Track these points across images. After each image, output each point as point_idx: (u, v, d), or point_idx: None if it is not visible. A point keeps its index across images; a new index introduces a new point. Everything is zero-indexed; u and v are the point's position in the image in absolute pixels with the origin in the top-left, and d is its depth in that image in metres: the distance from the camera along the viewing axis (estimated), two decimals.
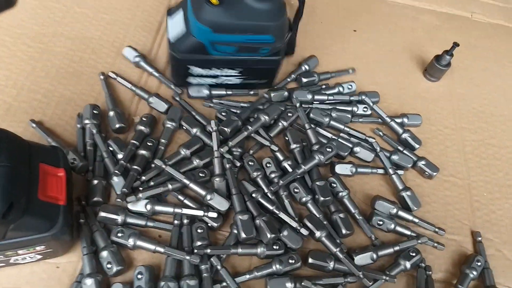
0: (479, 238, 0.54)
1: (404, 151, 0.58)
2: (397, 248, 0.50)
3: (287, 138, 0.56)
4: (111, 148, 0.52)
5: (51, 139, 0.51)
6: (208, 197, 0.48)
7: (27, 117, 0.53)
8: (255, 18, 0.50)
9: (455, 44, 0.63)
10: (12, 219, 0.37)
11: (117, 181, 0.49)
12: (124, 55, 0.59)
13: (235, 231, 0.48)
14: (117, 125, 0.53)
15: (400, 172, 0.56)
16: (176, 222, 0.48)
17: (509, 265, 0.54)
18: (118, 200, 0.47)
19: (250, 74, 0.56)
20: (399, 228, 0.52)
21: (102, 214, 0.46)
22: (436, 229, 0.53)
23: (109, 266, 0.44)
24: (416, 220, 0.53)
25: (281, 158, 0.54)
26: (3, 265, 0.43)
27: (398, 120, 0.60)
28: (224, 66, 0.54)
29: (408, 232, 0.52)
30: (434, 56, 0.66)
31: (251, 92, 0.58)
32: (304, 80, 0.61)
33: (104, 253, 0.44)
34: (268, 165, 0.53)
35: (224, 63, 0.54)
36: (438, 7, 0.79)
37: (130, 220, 0.47)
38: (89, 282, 0.42)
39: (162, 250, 0.45)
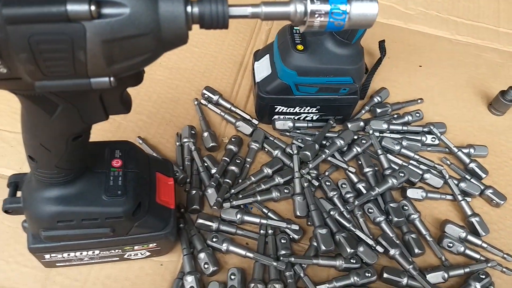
0: None
1: (472, 180, 0.61)
2: (467, 269, 0.53)
3: (360, 162, 0.61)
4: (205, 164, 0.59)
5: (156, 153, 0.59)
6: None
7: (134, 134, 0.62)
8: (336, 62, 0.57)
9: None
10: (138, 217, 0.44)
11: (211, 193, 0.56)
12: (205, 94, 0.66)
13: (315, 244, 0.53)
14: (211, 144, 0.60)
15: (468, 199, 0.59)
16: (262, 231, 0.54)
17: None
18: (214, 207, 0.53)
19: (328, 111, 0.63)
20: (468, 252, 0.55)
21: (200, 220, 0.53)
22: (504, 255, 0.56)
23: (206, 266, 0.50)
24: (485, 245, 0.56)
25: (355, 180, 0.59)
26: (117, 259, 0.50)
27: (465, 151, 0.64)
28: (306, 104, 0.61)
29: (477, 256, 0.55)
30: (500, 92, 0.70)
31: (332, 123, 0.64)
32: (379, 110, 0.66)
33: (202, 255, 0.50)
34: (343, 185, 0.58)
35: (306, 102, 0.61)
36: (501, 46, 0.83)
37: (222, 227, 0.53)
38: (189, 279, 0.49)
39: (251, 255, 0.51)
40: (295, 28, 0.59)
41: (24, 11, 0.24)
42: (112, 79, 0.29)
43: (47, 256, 0.46)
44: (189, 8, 0.28)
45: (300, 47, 0.56)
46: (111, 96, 0.34)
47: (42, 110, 0.33)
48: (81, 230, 0.43)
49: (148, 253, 0.50)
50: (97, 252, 0.47)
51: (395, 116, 0.67)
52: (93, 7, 0.24)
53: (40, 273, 0.49)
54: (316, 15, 0.30)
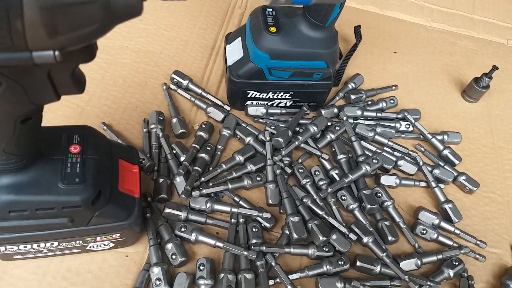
0: None
1: (445, 166, 0.61)
2: (440, 256, 0.52)
3: (334, 149, 0.59)
4: (174, 151, 0.56)
5: (121, 140, 0.56)
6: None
7: (98, 120, 0.59)
8: (310, 46, 0.55)
9: (494, 67, 0.66)
10: (98, 206, 0.42)
11: (179, 181, 0.53)
12: (174, 78, 0.63)
13: (287, 232, 0.51)
14: (180, 131, 0.58)
15: (441, 185, 0.59)
16: (233, 220, 0.52)
17: None
18: (182, 196, 0.51)
19: (301, 97, 0.61)
20: (441, 238, 0.55)
21: (167, 210, 0.51)
22: (477, 242, 0.55)
23: (173, 257, 0.48)
24: (458, 232, 0.56)
25: (329, 167, 0.58)
26: (78, 251, 0.47)
27: (439, 137, 0.63)
28: (279, 89, 0.59)
29: (450, 243, 0.55)
30: (473, 78, 0.70)
31: (305, 109, 0.62)
32: (353, 97, 0.65)
33: (169, 245, 0.48)
34: (316, 173, 0.57)
35: (279, 87, 0.59)
36: (475, 33, 0.83)
37: (191, 216, 0.51)
38: (156, 270, 0.46)
39: (221, 245, 0.49)
40: (267, 9, 0.57)
41: None
42: (57, 53, 0.26)
43: (1, 248, 0.43)
44: None
45: (273, 29, 0.54)
46: (61, 73, 0.31)
47: None
48: (36, 221, 0.40)
49: (112, 244, 0.48)
50: (56, 243, 0.44)
51: (370, 102, 0.66)
52: None
53: None
54: None
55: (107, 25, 0.27)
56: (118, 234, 0.46)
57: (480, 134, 0.68)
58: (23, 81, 0.30)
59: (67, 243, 0.45)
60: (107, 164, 0.44)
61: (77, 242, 0.45)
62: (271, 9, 0.57)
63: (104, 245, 0.47)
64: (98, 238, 0.45)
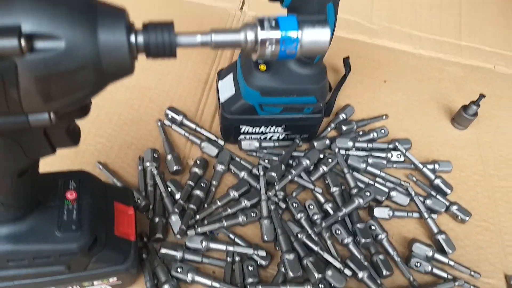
0: None
1: (437, 196, 0.62)
2: None
3: (327, 182, 0.60)
4: (169, 189, 0.57)
5: (116, 179, 0.57)
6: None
7: (93, 158, 0.59)
8: (299, 82, 0.56)
9: (482, 96, 0.68)
10: (95, 252, 0.42)
11: (175, 220, 0.54)
12: (168, 114, 0.65)
13: (283, 270, 0.52)
14: (175, 168, 0.58)
15: (434, 216, 0.60)
16: (228, 259, 0.52)
17: None
18: (178, 236, 0.52)
19: (293, 130, 0.62)
20: (436, 271, 0.55)
21: (163, 250, 0.51)
22: (472, 272, 0.56)
23: None
24: (452, 263, 0.56)
25: (322, 200, 0.58)
26: None
27: (430, 167, 0.64)
28: (271, 124, 0.60)
29: (444, 275, 0.55)
30: (462, 106, 0.71)
31: (298, 142, 0.63)
32: (344, 128, 0.66)
33: (166, 287, 0.48)
34: (310, 207, 0.57)
35: (271, 121, 0.60)
36: (463, 59, 0.85)
37: (187, 256, 0.51)
38: None
39: (217, 285, 0.49)
40: None
41: None
42: (52, 115, 0.27)
43: None
44: (132, 38, 0.27)
45: (262, 67, 0.56)
46: (56, 130, 0.32)
47: None
48: (33, 269, 0.41)
49: (108, 287, 0.48)
50: None
51: (361, 133, 0.67)
52: (23, 42, 0.23)
53: None
54: (267, 43, 0.29)
55: (100, 87, 0.28)
56: (115, 278, 0.46)
57: (470, 162, 0.69)
58: (20, 139, 0.31)
59: None
60: (103, 208, 0.45)
61: (74, 287, 0.45)
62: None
63: None
64: (95, 283, 0.46)
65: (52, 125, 0.27)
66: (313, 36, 0.29)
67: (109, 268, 0.44)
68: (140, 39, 0.27)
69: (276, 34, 0.28)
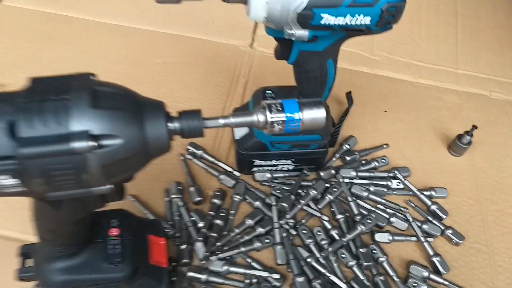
0: None
1: (433, 221, 0.68)
2: None
3: (333, 209, 0.67)
4: (193, 218, 0.65)
5: (147, 210, 0.65)
6: None
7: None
8: None
9: (474, 127, 0.74)
10: (135, 280, 0.50)
11: (199, 246, 0.62)
12: (189, 149, 0.72)
13: None
14: (197, 199, 0.66)
15: (430, 239, 0.66)
16: (246, 281, 0.60)
17: None
18: (202, 261, 0.59)
19: (301, 162, 0.69)
20: None
21: (190, 274, 0.59)
22: None
23: None
24: (446, 283, 0.62)
25: (329, 227, 0.65)
26: None
27: (427, 193, 0.71)
28: (281, 158, 0.68)
29: None
30: (457, 135, 0.77)
31: (306, 172, 0.71)
32: (348, 158, 0.73)
33: None
34: (318, 233, 0.65)
35: (281, 156, 0.67)
36: (459, 87, 0.91)
37: (211, 278, 0.59)
38: None
39: None
40: (267, 91, 0.66)
41: (37, 150, 0.30)
42: (111, 186, 0.35)
43: None
44: (170, 125, 0.35)
45: None
46: (110, 193, 0.40)
47: (51, 206, 0.39)
48: None
49: None
50: None
51: (363, 162, 0.74)
52: (91, 143, 0.31)
53: None
54: (275, 124, 0.36)
55: (146, 164, 0.36)
56: None
57: (465, 187, 0.75)
58: (82, 200, 0.39)
59: None
60: (140, 241, 0.53)
61: None
62: (270, 91, 0.66)
63: None
64: None
65: (109, 192, 0.35)
66: (312, 115, 0.37)
67: None
68: (177, 125, 0.35)
69: (282, 117, 0.36)
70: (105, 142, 0.31)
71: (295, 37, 0.50)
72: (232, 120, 0.36)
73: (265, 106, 0.36)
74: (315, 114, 0.37)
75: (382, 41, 0.95)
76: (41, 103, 0.30)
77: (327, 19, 0.48)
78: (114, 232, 0.50)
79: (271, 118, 0.36)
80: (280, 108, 0.36)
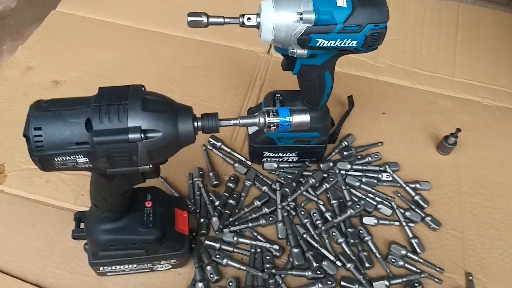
0: (471, 277, 0.74)
1: (415, 209, 0.79)
2: (404, 279, 0.71)
3: (328, 196, 0.79)
4: (211, 198, 0.78)
5: (174, 190, 0.79)
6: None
7: None
8: None
9: (458, 130, 0.84)
10: (163, 242, 0.64)
11: (215, 221, 0.75)
12: (210, 141, 0.86)
13: (291, 259, 0.72)
14: (215, 182, 0.80)
15: (411, 224, 0.78)
16: (252, 250, 0.73)
17: None
18: (217, 232, 0.73)
19: (304, 155, 0.82)
20: (407, 265, 0.73)
21: (207, 242, 0.72)
22: (437, 268, 0.74)
23: (211, 275, 0.69)
24: (421, 261, 0.74)
25: (323, 209, 0.78)
26: (147, 271, 0.70)
27: (412, 186, 0.82)
28: (287, 151, 0.80)
29: (414, 269, 0.73)
30: (444, 137, 0.88)
31: (308, 163, 0.83)
32: (345, 153, 0.85)
33: (208, 267, 0.70)
34: (314, 214, 0.77)
35: (286, 149, 0.80)
36: (454, 93, 1.01)
37: (223, 246, 0.73)
38: (200, 285, 0.68)
39: (244, 268, 0.70)
40: (276, 95, 0.78)
41: (105, 139, 0.44)
42: (151, 166, 0.49)
43: (101, 268, 0.66)
44: (195, 124, 0.48)
45: None
46: (149, 171, 0.54)
47: (106, 179, 0.53)
48: (125, 251, 0.63)
49: (170, 266, 0.70)
50: (135, 265, 0.67)
51: (359, 157, 0.86)
52: (142, 135, 0.44)
53: (94, 280, 0.69)
54: (271, 125, 0.49)
55: (177, 151, 0.49)
56: (175, 260, 0.68)
57: (448, 182, 0.86)
58: (128, 176, 0.53)
59: (141, 266, 0.67)
60: (168, 212, 0.67)
61: (148, 265, 0.68)
62: (279, 95, 0.78)
63: (165, 267, 0.69)
64: (161, 262, 0.68)
65: (149, 170, 0.49)
66: (299, 120, 0.49)
67: (172, 253, 0.66)
68: (200, 124, 0.48)
69: (276, 120, 0.48)
70: (150, 134, 0.45)
71: (297, 55, 0.62)
72: (241, 121, 0.49)
73: (264, 112, 0.49)
74: (302, 119, 0.49)
75: (386, 50, 1.06)
76: (108, 106, 0.44)
77: (322, 42, 0.60)
78: (148, 204, 0.64)
79: (268, 120, 0.49)
80: (275, 113, 0.49)
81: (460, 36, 1.10)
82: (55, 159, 0.46)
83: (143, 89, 0.48)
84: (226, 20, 0.59)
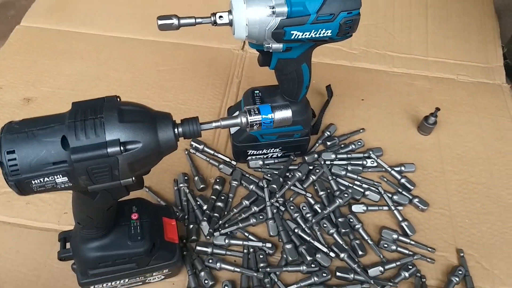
0: (462, 254, 0.75)
1: (403, 192, 0.80)
2: (398, 263, 0.72)
3: (316, 188, 0.79)
4: (198, 202, 0.77)
5: (159, 198, 0.77)
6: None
7: None
8: None
9: (437, 109, 0.85)
10: (154, 253, 0.63)
11: (204, 225, 0.74)
12: (192, 144, 0.84)
13: (284, 256, 0.71)
14: (201, 186, 0.79)
15: (400, 207, 0.78)
16: (245, 251, 0.72)
17: (486, 273, 0.73)
18: (207, 237, 0.72)
19: (288, 149, 0.81)
20: (400, 249, 0.74)
21: (198, 248, 0.71)
22: (428, 248, 0.74)
23: (206, 281, 0.68)
24: (413, 243, 0.75)
25: (312, 202, 0.78)
26: (140, 284, 0.68)
27: (397, 169, 0.83)
28: (270, 147, 0.79)
29: (407, 251, 0.74)
30: (424, 117, 0.89)
31: (293, 157, 0.82)
32: (328, 143, 0.85)
33: (202, 273, 0.69)
34: (303, 208, 0.77)
35: (270, 145, 0.79)
36: (430, 72, 1.02)
37: (215, 250, 0.72)
38: None
39: (238, 270, 0.69)
40: (255, 91, 0.77)
41: (83, 156, 0.42)
42: (134, 179, 0.47)
43: (92, 287, 0.64)
44: (176, 130, 0.47)
45: None
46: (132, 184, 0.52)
47: (88, 196, 0.51)
48: (115, 267, 0.61)
49: (162, 277, 0.68)
50: (126, 280, 0.65)
51: (342, 146, 0.86)
52: (121, 148, 0.43)
53: None
54: (254, 124, 0.48)
55: (159, 160, 0.48)
56: (167, 269, 0.66)
57: (431, 162, 0.86)
58: (111, 190, 0.51)
59: (133, 279, 0.66)
60: (156, 223, 0.65)
61: (140, 278, 0.66)
62: (258, 91, 0.77)
63: (158, 278, 0.68)
64: (154, 274, 0.66)
65: (133, 183, 0.47)
66: (281, 116, 0.48)
67: (163, 263, 0.64)
68: (180, 130, 0.47)
69: (258, 118, 0.47)
70: (130, 146, 0.43)
71: (272, 49, 0.61)
72: (222, 123, 0.48)
73: (246, 111, 0.48)
74: (284, 114, 0.48)
75: (360, 36, 1.06)
76: (83, 122, 0.42)
77: (296, 34, 0.59)
78: (135, 216, 0.62)
79: (250, 119, 0.47)
80: (257, 112, 0.48)
81: (430, 15, 1.11)
82: (33, 181, 0.44)
83: (118, 100, 0.46)
84: (198, 20, 0.58)
